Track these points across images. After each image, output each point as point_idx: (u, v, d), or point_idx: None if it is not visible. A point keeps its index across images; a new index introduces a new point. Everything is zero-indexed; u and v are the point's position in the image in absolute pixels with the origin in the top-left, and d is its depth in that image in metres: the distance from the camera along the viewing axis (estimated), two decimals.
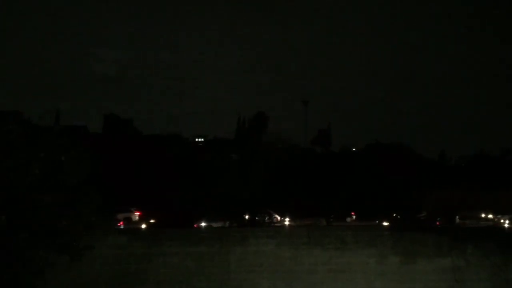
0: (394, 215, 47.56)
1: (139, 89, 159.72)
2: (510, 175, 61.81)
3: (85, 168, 25.24)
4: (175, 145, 63.58)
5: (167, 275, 34.33)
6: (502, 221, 45.65)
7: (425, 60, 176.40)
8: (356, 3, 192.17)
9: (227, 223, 42.79)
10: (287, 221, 45.32)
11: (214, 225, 42.31)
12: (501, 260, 35.52)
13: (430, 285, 35.02)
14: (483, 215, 47.26)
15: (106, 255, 33.69)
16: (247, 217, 45.34)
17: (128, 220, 44.00)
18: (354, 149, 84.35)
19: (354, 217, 49.85)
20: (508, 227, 42.33)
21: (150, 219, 43.57)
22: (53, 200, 23.31)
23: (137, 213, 45.77)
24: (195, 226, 42.24)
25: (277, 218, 46.60)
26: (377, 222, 44.66)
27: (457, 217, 45.67)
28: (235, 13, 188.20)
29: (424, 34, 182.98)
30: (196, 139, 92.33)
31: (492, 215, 47.75)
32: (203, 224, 42.48)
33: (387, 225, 41.41)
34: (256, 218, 45.33)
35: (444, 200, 51.59)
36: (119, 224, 40.99)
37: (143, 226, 41.08)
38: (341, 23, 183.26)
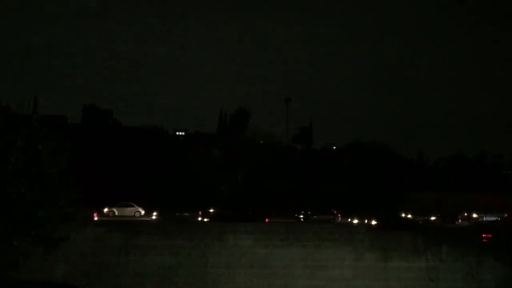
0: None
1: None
2: (486, 178, 62.76)
3: (63, 159, 24.81)
4: (156, 139, 63.18)
5: (144, 268, 34.05)
6: None
7: (408, 61, 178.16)
8: (340, 5, 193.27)
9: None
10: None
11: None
12: (475, 260, 36.05)
13: (405, 283, 35.40)
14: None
15: (83, 247, 33.34)
16: None
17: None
18: (334, 148, 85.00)
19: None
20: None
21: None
22: (30, 190, 22.90)
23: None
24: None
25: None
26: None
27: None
28: (221, 8, 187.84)
29: (405, 36, 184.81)
30: (177, 133, 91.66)
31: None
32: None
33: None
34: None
35: (422, 200, 52.06)
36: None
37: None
38: (326, 23, 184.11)
